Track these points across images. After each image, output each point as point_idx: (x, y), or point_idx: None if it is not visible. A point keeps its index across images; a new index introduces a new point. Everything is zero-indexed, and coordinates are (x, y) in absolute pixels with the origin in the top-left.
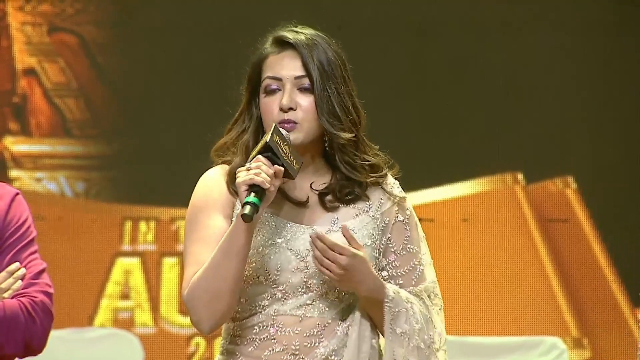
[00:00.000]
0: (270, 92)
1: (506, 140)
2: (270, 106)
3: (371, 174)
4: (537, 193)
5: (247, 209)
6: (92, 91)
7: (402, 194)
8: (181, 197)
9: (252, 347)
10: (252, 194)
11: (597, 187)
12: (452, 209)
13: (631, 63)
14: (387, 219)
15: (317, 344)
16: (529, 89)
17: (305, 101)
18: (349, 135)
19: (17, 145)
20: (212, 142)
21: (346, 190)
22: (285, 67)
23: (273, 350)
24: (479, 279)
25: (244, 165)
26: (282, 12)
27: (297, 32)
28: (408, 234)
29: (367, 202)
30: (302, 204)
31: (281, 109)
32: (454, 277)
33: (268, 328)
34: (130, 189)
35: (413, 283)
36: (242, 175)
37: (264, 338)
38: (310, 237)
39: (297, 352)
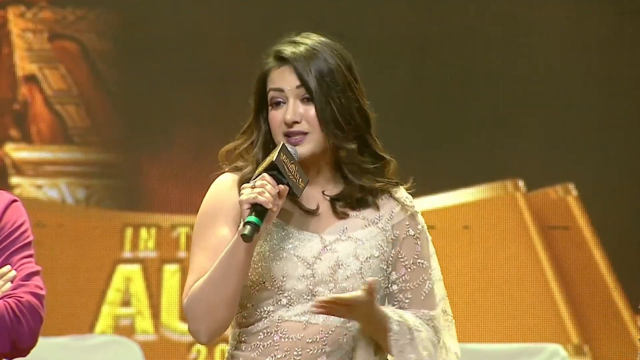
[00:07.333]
0: (276, 104)
1: (507, 147)
2: (277, 118)
3: (379, 180)
4: (538, 200)
5: (247, 229)
6: (93, 98)
7: (415, 207)
8: (182, 203)
9: (255, 353)
10: (254, 214)
11: (598, 194)
12: (453, 215)
13: (632, 71)
14: (398, 232)
15: (319, 352)
16: (530, 96)
17: (310, 112)
18: (352, 145)
19: (18, 152)
20: (212, 149)
21: (357, 195)
22: (285, 80)
23: (275, 356)
24: (479, 285)
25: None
26: (283, 25)
27: (297, 43)
28: (419, 249)
29: (378, 213)
30: (312, 212)
31: (285, 124)
32: (454, 284)
33: (272, 335)
34: (131, 195)
35: (422, 297)
36: (246, 193)
37: (267, 345)
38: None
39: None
